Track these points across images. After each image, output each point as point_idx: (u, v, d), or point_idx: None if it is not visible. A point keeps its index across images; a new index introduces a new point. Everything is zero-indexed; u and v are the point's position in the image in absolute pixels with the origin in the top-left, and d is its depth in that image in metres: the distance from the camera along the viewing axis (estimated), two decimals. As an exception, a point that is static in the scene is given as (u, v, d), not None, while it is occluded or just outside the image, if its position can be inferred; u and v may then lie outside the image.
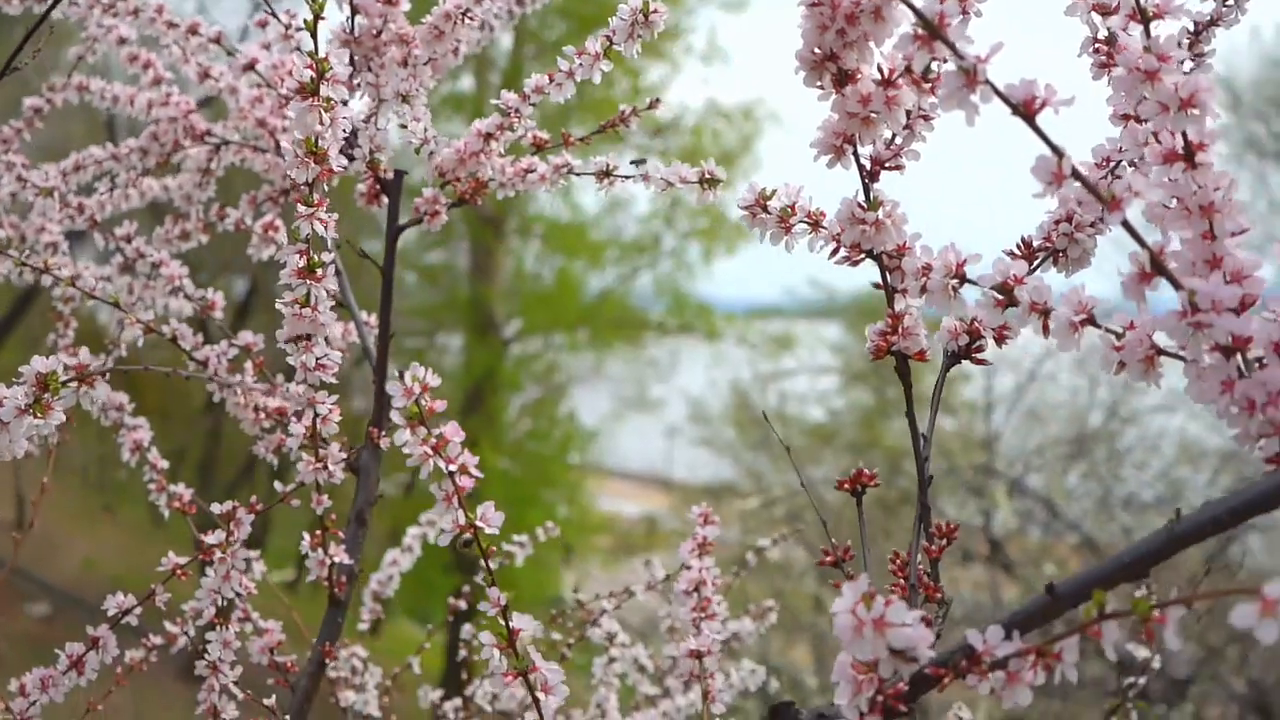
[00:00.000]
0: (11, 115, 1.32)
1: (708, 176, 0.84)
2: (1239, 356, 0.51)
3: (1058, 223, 0.68)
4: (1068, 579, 0.51)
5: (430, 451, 0.61)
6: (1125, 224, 0.50)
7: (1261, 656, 6.21)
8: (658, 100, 1.00)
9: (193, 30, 1.08)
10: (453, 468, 0.61)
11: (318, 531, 0.95)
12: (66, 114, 1.35)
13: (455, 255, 11.97)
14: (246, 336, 1.04)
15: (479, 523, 0.62)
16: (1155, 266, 0.51)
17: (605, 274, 12.04)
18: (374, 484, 1.00)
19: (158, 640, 1.05)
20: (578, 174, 0.96)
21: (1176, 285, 0.51)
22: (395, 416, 0.60)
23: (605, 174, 0.94)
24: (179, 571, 0.91)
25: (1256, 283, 0.53)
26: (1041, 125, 0.50)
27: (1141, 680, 1.06)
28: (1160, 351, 0.54)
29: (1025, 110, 0.50)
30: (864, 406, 10.01)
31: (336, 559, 0.96)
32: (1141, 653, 1.09)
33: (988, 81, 0.50)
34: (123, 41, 1.18)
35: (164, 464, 1.08)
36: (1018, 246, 0.68)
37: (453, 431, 0.62)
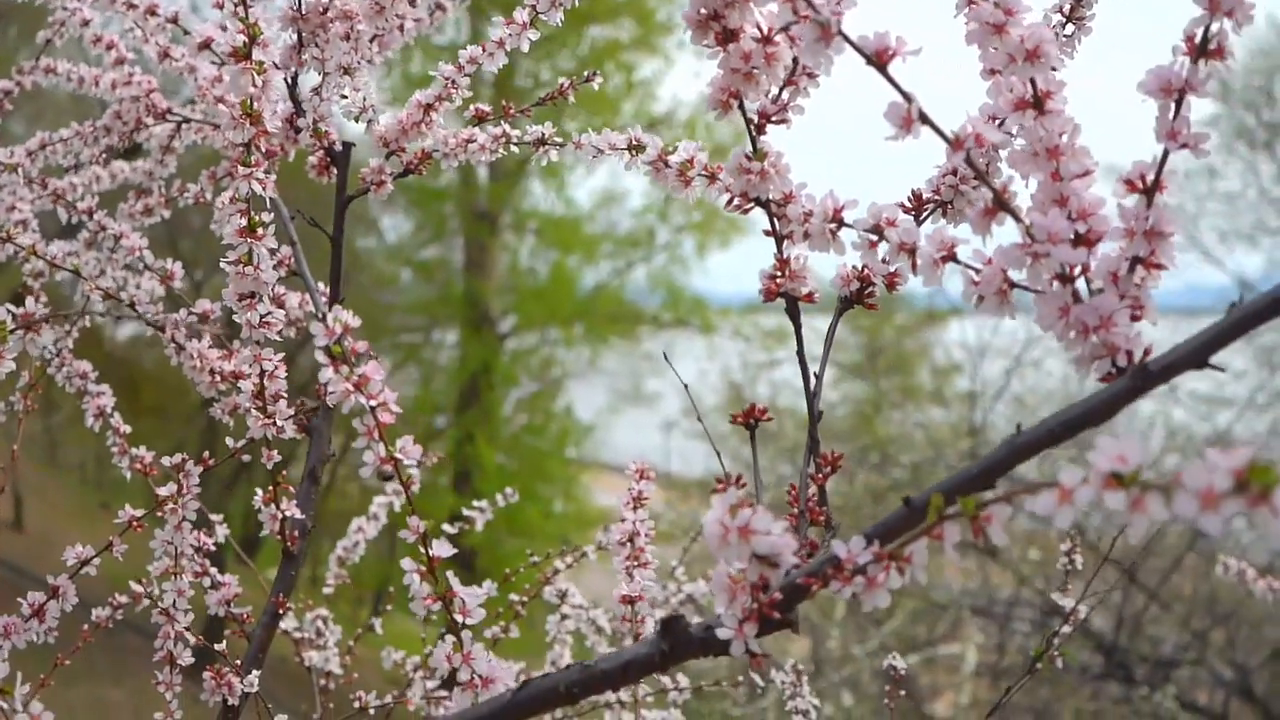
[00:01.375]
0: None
1: (634, 143, 0.88)
2: (1075, 285, 0.55)
3: (944, 175, 0.72)
4: (921, 493, 0.56)
5: (352, 388, 0.65)
6: (968, 161, 0.55)
7: (1246, 641, 6.27)
8: (595, 73, 1.05)
9: (151, 11, 1.12)
10: (374, 403, 0.66)
11: (270, 487, 1.00)
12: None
13: (450, 251, 12.01)
14: (204, 304, 1.08)
15: (398, 455, 0.67)
16: (999, 203, 0.56)
17: (600, 268, 12.09)
18: (326, 443, 1.05)
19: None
20: (516, 144, 1.01)
21: (1018, 219, 0.55)
22: (319, 355, 0.65)
23: (541, 142, 0.99)
24: (135, 524, 0.96)
25: (1101, 220, 0.57)
26: (893, 74, 0.55)
27: (1066, 629, 1.10)
28: (1012, 284, 0.58)
29: (878, 60, 0.54)
30: (857, 398, 10.06)
31: (289, 514, 1.01)
32: (1066, 602, 1.14)
33: (841, 33, 0.54)
34: (86, 24, 1.22)
35: (126, 429, 1.13)
36: (908, 198, 0.72)
37: (373, 370, 0.66)
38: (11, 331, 0.71)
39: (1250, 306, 0.50)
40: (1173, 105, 0.56)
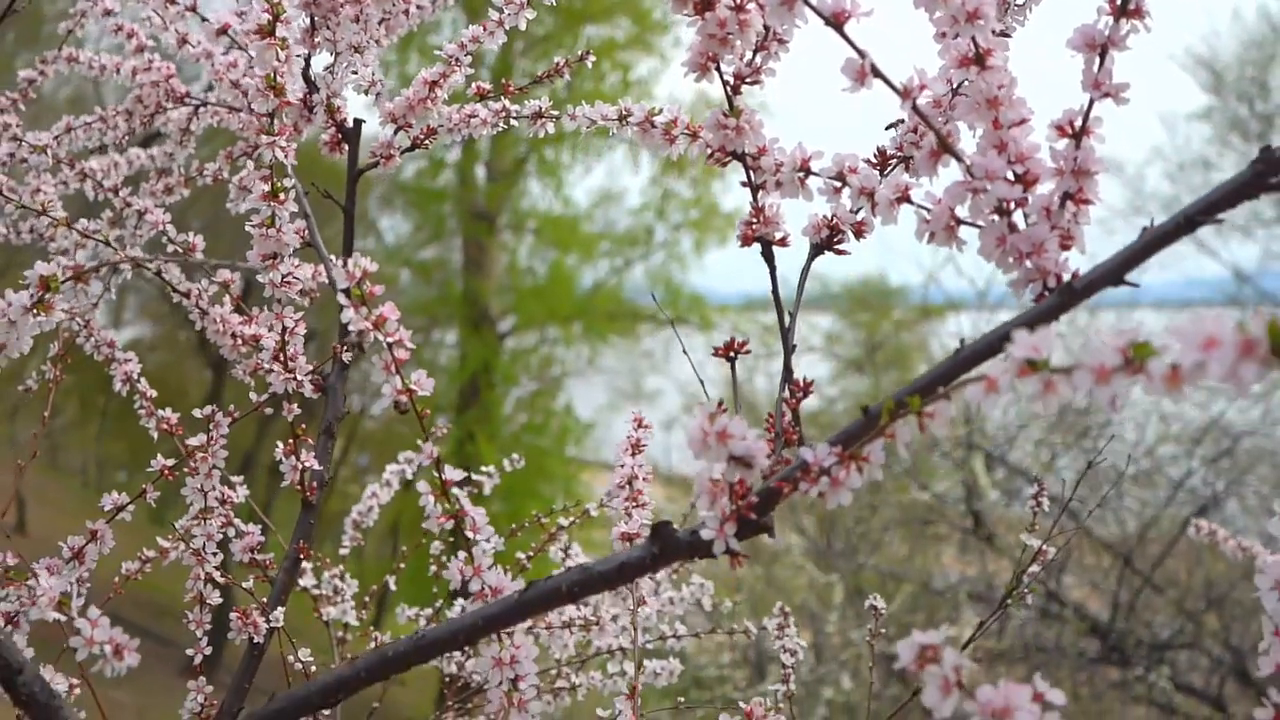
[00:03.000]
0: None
1: (624, 112, 0.96)
2: (1012, 217, 0.63)
3: (906, 133, 0.79)
4: (876, 403, 0.63)
5: (371, 326, 0.73)
6: (915, 110, 0.62)
7: (1240, 623, 6.34)
8: (588, 53, 1.12)
9: (170, 0, 1.20)
10: (390, 339, 0.73)
11: (290, 440, 1.07)
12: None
13: (449, 251, 12.07)
14: (224, 274, 1.16)
15: (413, 386, 0.74)
16: (943, 145, 0.63)
17: (598, 267, 12.16)
18: (341, 401, 1.12)
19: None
20: (515, 118, 1.08)
21: (960, 160, 0.63)
22: (340, 298, 0.72)
23: (539, 115, 1.06)
24: (166, 472, 1.03)
25: (1036, 162, 0.64)
26: (849, 33, 0.62)
27: (1035, 567, 1.17)
28: (958, 220, 0.66)
29: (835, 21, 0.62)
30: (857, 393, 10.14)
31: (308, 465, 1.08)
32: (1034, 542, 1.21)
33: (806, 1, 0.62)
34: (108, 13, 1.30)
35: (152, 392, 1.20)
36: (873, 154, 0.80)
37: (390, 310, 0.74)
38: (63, 282, 0.78)
39: (1159, 229, 0.58)
40: (1097, 58, 0.63)
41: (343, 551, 1.52)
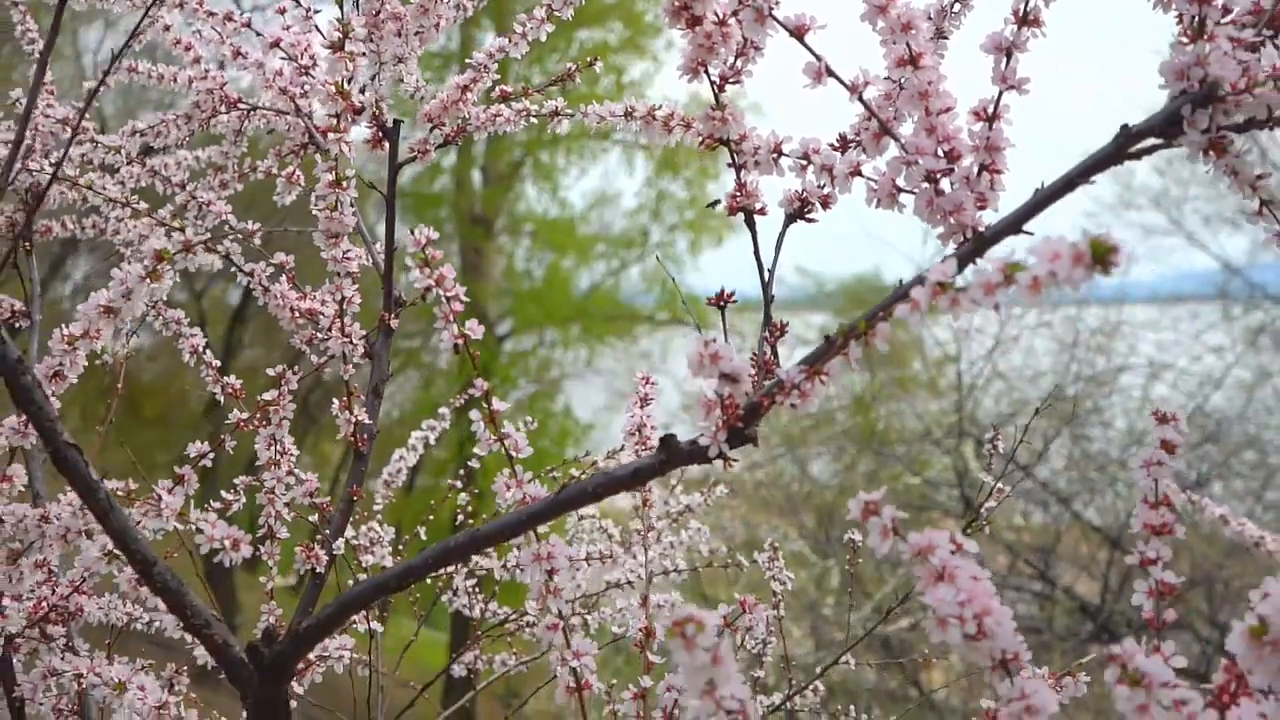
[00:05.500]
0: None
1: (629, 109, 1.13)
2: (939, 185, 0.80)
3: (860, 121, 0.97)
4: (839, 329, 0.80)
5: (434, 283, 0.90)
6: (861, 101, 0.79)
7: (1225, 602, 6.53)
8: (595, 59, 1.29)
9: (228, 17, 1.37)
10: (449, 295, 0.91)
11: (345, 398, 1.24)
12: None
13: (446, 255, 12.21)
14: (280, 256, 1.33)
15: (467, 331, 0.91)
16: (883, 129, 0.81)
17: (594, 269, 12.33)
18: (386, 364, 1.29)
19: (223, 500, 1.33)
20: (534, 116, 1.26)
21: (896, 140, 0.80)
22: (409, 260, 0.89)
23: (555, 114, 1.23)
24: (241, 424, 1.21)
25: (959, 141, 0.82)
26: (810, 43, 0.79)
27: (992, 503, 1.35)
28: (899, 189, 0.83)
29: (797, 33, 0.79)
30: (855, 391, 10.32)
31: (360, 419, 1.25)
32: (986, 478, 1.38)
33: (772, 15, 0.79)
34: (167, 28, 1.47)
35: (216, 362, 1.37)
36: (837, 139, 0.97)
37: (448, 270, 0.91)
38: (175, 254, 0.95)
39: (1048, 189, 0.75)
40: (1004, 58, 0.80)
41: (376, 508, 1.69)
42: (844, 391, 10.48)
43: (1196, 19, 0.72)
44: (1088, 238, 0.57)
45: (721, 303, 0.94)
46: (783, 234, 0.96)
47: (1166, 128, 0.73)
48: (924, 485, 6.43)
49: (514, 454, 0.93)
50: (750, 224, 0.93)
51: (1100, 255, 0.57)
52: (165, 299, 1.39)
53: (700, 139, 0.92)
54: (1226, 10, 0.73)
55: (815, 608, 6.65)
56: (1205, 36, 0.72)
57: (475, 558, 1.77)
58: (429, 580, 1.78)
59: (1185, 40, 0.73)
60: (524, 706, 2.12)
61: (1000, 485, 1.36)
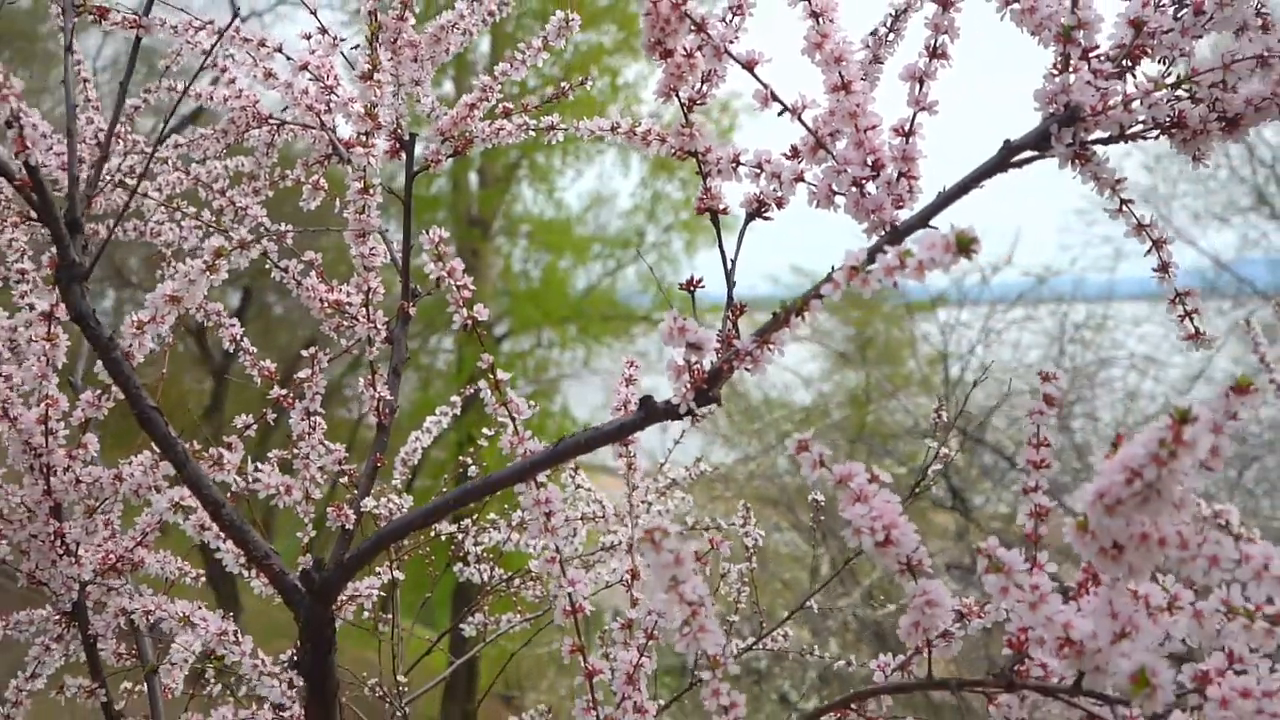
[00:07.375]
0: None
1: (615, 125, 1.31)
2: (865, 188, 0.98)
3: (804, 137, 1.15)
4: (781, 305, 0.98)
5: (445, 275, 1.08)
6: (800, 121, 0.98)
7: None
8: (586, 78, 1.48)
9: (261, 43, 1.55)
10: (459, 284, 1.09)
11: (368, 375, 1.42)
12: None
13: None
14: (309, 254, 1.51)
15: (475, 315, 1.09)
16: (818, 143, 0.99)
17: (591, 269, 12.51)
18: (404, 347, 1.47)
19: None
20: (533, 130, 1.44)
21: (829, 152, 0.98)
22: (425, 251, 1.07)
23: (552, 127, 1.42)
24: (280, 400, 1.38)
25: (884, 152, 1.00)
26: (759, 73, 0.98)
27: (937, 467, 1.52)
28: (834, 191, 1.01)
29: (748, 65, 0.97)
30: (850, 389, 10.51)
31: (383, 395, 1.43)
32: (943, 456, 1.56)
33: (727, 51, 0.97)
34: (205, 53, 1.65)
35: (253, 349, 1.55)
36: (789, 149, 1.15)
37: (458, 264, 1.09)
38: (231, 251, 1.13)
39: (950, 190, 0.93)
40: (917, 84, 0.99)
41: (394, 482, 1.88)
42: (839, 389, 10.67)
43: (1062, 54, 0.90)
44: (954, 230, 0.76)
45: (691, 288, 1.12)
46: (743, 230, 1.14)
47: (1039, 142, 0.91)
48: (911, 476, 6.62)
49: (515, 416, 1.11)
50: (715, 222, 1.12)
51: (964, 245, 0.75)
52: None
53: (673, 150, 1.10)
54: (1089, 51, 0.91)
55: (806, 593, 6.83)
56: (1070, 69, 0.90)
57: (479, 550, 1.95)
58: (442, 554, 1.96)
59: (1054, 71, 0.91)
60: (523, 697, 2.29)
61: (946, 450, 1.54)
